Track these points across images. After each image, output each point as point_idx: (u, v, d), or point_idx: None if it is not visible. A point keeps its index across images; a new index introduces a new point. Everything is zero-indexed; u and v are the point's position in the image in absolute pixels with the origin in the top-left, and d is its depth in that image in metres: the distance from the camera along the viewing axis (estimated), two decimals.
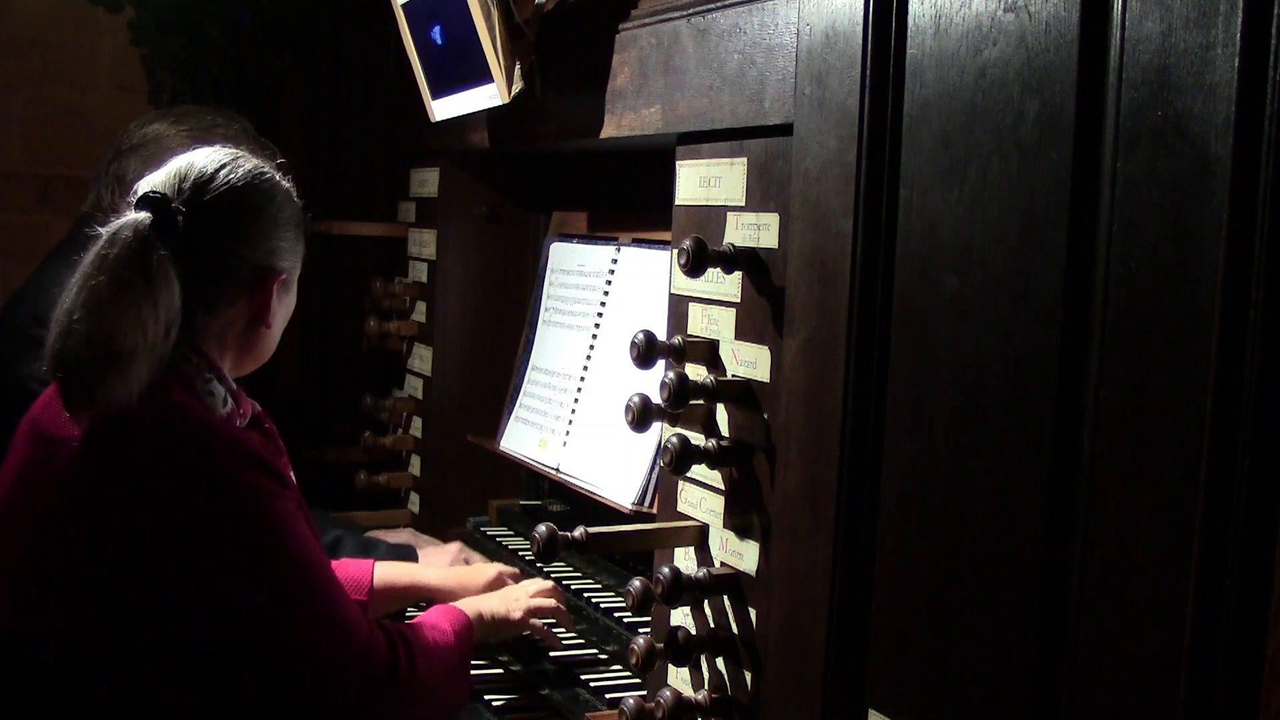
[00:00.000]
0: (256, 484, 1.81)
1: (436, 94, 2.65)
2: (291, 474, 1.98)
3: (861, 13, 1.49)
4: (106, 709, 1.78)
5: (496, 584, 2.39)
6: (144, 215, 1.81)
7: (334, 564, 2.31)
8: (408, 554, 2.62)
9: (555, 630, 2.36)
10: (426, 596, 2.38)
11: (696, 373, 1.85)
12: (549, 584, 2.39)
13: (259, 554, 1.80)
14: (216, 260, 1.88)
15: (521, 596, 2.30)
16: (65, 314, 1.75)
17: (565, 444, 2.55)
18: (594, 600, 2.41)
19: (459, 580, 2.40)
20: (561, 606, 2.32)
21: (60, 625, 1.78)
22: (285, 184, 1.99)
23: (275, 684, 1.82)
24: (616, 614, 2.33)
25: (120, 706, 1.78)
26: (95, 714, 1.79)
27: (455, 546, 2.72)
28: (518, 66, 2.33)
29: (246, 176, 1.91)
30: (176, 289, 1.79)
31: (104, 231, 1.80)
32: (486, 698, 2.25)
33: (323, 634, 1.84)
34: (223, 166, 1.90)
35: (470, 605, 2.21)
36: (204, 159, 1.91)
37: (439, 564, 2.58)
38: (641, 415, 1.78)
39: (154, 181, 1.88)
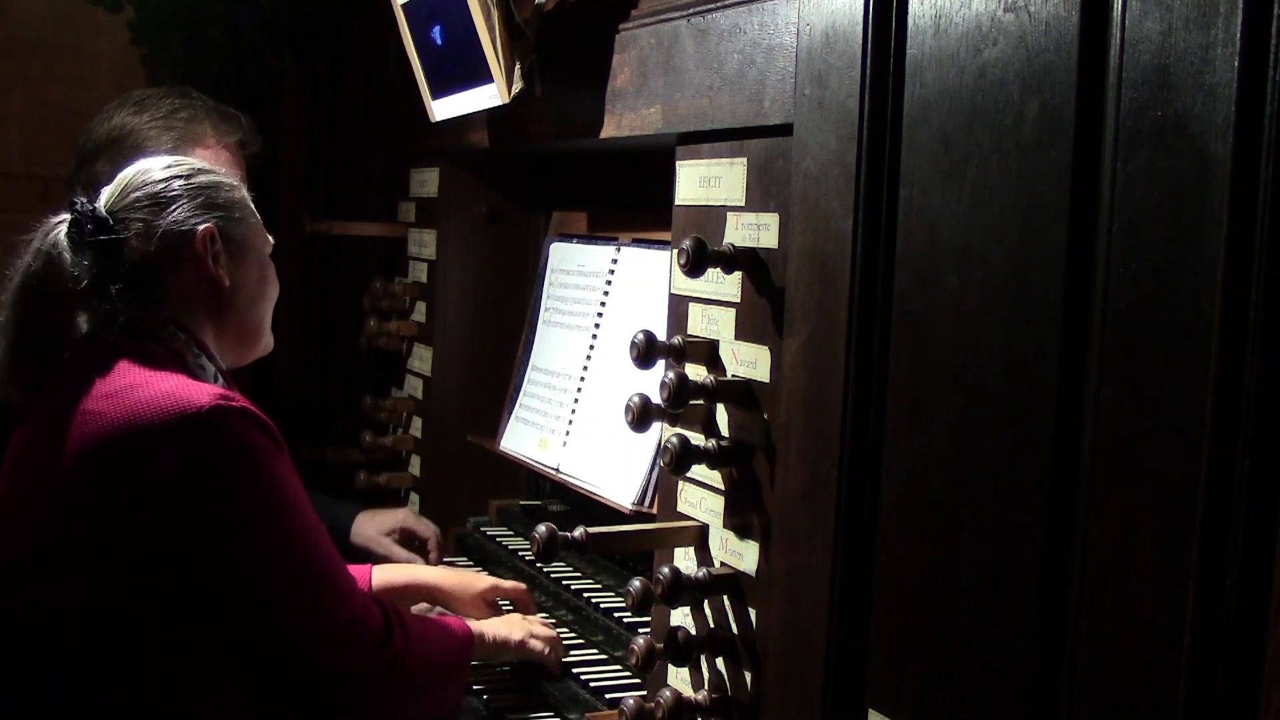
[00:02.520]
0: (253, 440, 1.83)
1: (436, 94, 2.65)
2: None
3: (861, 13, 1.49)
4: (96, 671, 1.79)
5: (491, 592, 2.39)
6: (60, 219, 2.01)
7: None
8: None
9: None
10: (426, 595, 2.39)
11: (696, 373, 1.85)
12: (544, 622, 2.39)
13: (253, 509, 1.81)
14: (132, 230, 1.95)
15: (520, 621, 2.30)
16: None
17: (565, 444, 2.55)
18: (594, 600, 2.41)
19: (458, 580, 2.41)
20: (555, 636, 2.31)
21: (62, 596, 1.80)
22: (203, 164, 2.07)
23: (270, 645, 1.83)
24: (616, 614, 2.33)
25: (111, 671, 1.79)
26: (85, 676, 1.80)
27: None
28: (517, 66, 2.33)
29: (156, 169, 2.01)
30: (76, 262, 1.95)
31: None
32: (485, 697, 2.25)
33: (317, 594, 1.85)
34: (138, 173, 2.01)
35: (474, 624, 2.22)
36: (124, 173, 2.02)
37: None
38: (641, 415, 1.78)
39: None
